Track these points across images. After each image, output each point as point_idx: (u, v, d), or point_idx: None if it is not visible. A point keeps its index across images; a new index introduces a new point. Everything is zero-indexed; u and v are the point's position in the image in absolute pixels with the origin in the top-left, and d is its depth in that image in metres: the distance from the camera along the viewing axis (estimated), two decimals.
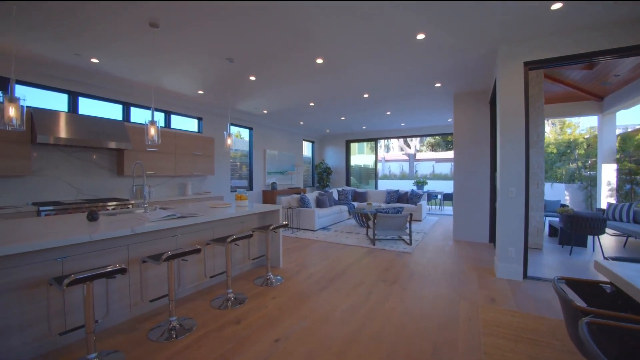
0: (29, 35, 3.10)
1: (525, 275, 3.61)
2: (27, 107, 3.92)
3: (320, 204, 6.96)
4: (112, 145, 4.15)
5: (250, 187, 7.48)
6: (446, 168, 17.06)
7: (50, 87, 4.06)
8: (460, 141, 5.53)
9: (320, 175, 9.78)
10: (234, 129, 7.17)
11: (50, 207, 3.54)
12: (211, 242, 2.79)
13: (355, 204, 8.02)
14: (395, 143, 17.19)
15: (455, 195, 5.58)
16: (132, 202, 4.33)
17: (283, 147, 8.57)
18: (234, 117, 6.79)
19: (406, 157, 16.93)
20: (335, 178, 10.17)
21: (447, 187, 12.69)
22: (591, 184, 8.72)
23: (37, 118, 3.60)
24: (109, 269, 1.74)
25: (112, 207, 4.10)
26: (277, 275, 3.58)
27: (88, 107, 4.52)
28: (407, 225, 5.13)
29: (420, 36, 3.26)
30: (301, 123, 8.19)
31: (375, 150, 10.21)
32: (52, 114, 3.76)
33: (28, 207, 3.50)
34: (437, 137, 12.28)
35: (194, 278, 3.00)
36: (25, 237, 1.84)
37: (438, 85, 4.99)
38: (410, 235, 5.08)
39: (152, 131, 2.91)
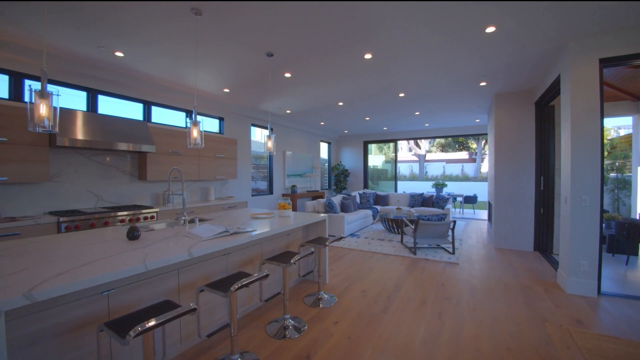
0: (47, 23, 2.71)
1: (599, 291, 3.27)
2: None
3: (345, 208, 6.59)
4: (135, 147, 3.76)
5: (270, 191, 7.10)
6: (457, 169, 16.75)
7: (68, 83, 3.65)
8: (501, 143, 5.19)
9: (338, 178, 9.41)
10: (254, 130, 6.78)
11: (71, 218, 3.15)
12: (267, 262, 2.41)
13: (378, 207, 7.66)
14: (404, 144, 16.85)
15: (495, 201, 5.23)
16: (157, 209, 3.93)
17: (301, 148, 8.19)
18: (254, 117, 6.41)
19: (416, 158, 16.59)
20: (353, 180, 9.80)
21: (464, 189, 12.38)
22: (619, 186, 8.42)
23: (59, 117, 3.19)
24: (180, 310, 1.36)
25: (137, 216, 3.71)
26: (327, 292, 3.21)
27: (106, 105, 4.12)
28: (449, 233, 4.78)
29: (490, 29, 2.92)
30: (322, 124, 7.82)
31: (395, 151, 9.85)
32: (72, 114, 3.36)
33: (46, 216, 3.10)
34: (457, 137, 11.91)
35: (244, 301, 2.62)
36: (63, 267, 1.46)
37: (483, 84, 4.65)
38: (453, 244, 4.72)
39: (195, 133, 2.53)
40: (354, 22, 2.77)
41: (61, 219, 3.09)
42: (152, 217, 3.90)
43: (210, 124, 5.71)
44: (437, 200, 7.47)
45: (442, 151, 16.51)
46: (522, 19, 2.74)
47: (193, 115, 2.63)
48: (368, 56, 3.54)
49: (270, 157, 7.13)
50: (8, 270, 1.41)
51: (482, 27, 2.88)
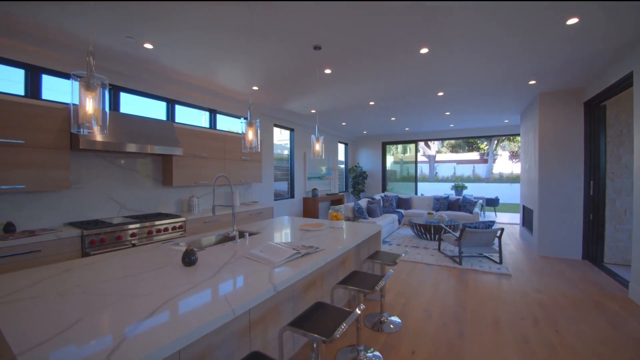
0: (69, 9, 2.34)
1: None
2: (63, 103, 3.15)
3: (371, 213, 6.24)
4: (162, 150, 3.39)
5: (291, 194, 6.73)
6: (468, 170, 16.46)
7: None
8: (546, 145, 4.85)
9: (356, 180, 9.05)
10: (278, 131, 6.42)
11: (95, 231, 2.77)
12: (340, 287, 2.05)
13: (402, 211, 7.31)
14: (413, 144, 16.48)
15: (539, 206, 4.90)
16: (183, 219, 3.56)
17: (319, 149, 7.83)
18: (277, 117, 6.04)
19: (425, 159, 16.28)
20: (371, 182, 9.45)
21: (480, 190, 12.06)
22: None
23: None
24: None
25: (165, 226, 3.34)
26: (385, 312, 2.85)
27: (126, 104, 3.74)
28: (496, 241, 4.45)
29: (572, 21, 2.60)
30: (343, 124, 7.47)
31: (415, 153, 9.52)
32: None
33: (67, 229, 2.73)
34: (482, 138, 11.55)
35: None
36: (129, 315, 1.10)
37: (532, 82, 4.32)
38: (500, 253, 4.39)
39: (251, 135, 2.16)
40: (416, 14, 2.45)
41: (85, 232, 2.71)
42: (180, 227, 3.52)
43: (228, 124, 5.34)
44: (463, 204, 7.14)
45: (452, 152, 16.20)
46: (608, 9, 2.42)
47: (248, 115, 2.26)
48: (424, 50, 3.20)
49: (292, 159, 6.76)
50: (58, 321, 1.05)
51: (563, 18, 2.56)
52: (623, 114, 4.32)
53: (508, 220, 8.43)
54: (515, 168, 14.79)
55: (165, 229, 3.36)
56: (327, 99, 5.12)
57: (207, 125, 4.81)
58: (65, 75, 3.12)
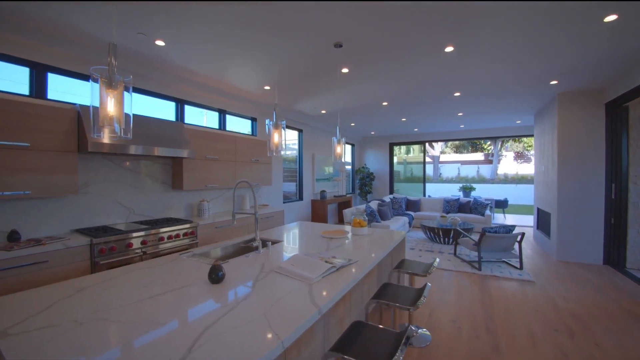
0: (80, 5, 2.18)
1: None
2: (70, 103, 2.98)
3: (382, 216, 6.09)
4: (172, 153, 3.23)
5: (299, 197, 6.57)
6: (472, 171, 16.33)
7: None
8: (565, 147, 4.71)
9: (363, 181, 8.90)
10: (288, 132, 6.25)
11: (104, 239, 2.60)
12: (376, 302, 1.89)
13: (412, 214, 7.16)
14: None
15: (559, 209, 4.76)
16: (194, 224, 3.39)
17: (328, 150, 7.67)
18: (286, 117, 5.88)
19: (430, 159, 16.12)
20: (378, 184, 9.30)
21: (487, 191, 11.92)
22: None
23: (86, 118, 2.66)
24: None
25: (176, 232, 3.18)
26: (413, 324, 2.70)
27: (133, 103, 3.58)
28: (516, 246, 4.30)
29: (610, 17, 2.45)
30: (352, 125, 7.31)
31: (424, 154, 9.38)
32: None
33: (74, 236, 2.56)
34: (493, 139, 11.42)
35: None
36: (165, 351, 0.94)
37: (553, 82, 4.17)
38: (520, 258, 4.24)
39: (276, 138, 2.00)
40: (445, 11, 2.30)
41: (94, 241, 2.54)
42: (191, 233, 3.36)
43: (237, 125, 5.18)
44: (474, 206, 7.00)
45: (457, 152, 16.05)
46: None
47: (274, 116, 2.10)
48: (449, 49, 3.05)
49: (300, 161, 6.60)
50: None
51: (601, 15, 2.42)
52: None
53: (518, 222, 8.29)
54: (520, 169, 14.70)
55: (177, 235, 3.20)
56: (340, 99, 4.97)
57: (216, 126, 4.64)
58: (73, 74, 2.96)
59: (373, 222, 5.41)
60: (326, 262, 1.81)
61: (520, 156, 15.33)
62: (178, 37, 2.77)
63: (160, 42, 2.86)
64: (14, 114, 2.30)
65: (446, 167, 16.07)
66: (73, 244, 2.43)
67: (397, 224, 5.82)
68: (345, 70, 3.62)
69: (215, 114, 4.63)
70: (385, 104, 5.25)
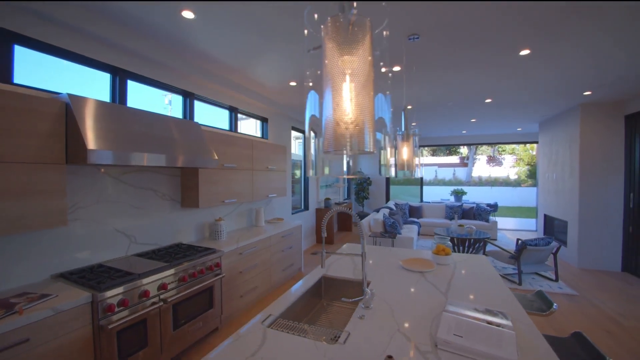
0: None
1: None
2: (50, 92, 2.08)
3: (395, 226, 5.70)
4: (199, 163, 2.46)
5: (305, 206, 5.92)
6: (449, 173, 16.91)
7: (82, 57, 2.21)
8: (587, 158, 4.73)
9: (360, 187, 8.48)
10: (295, 134, 5.56)
11: (111, 292, 1.80)
12: None
13: (417, 221, 6.91)
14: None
15: (580, 218, 4.77)
16: (219, 252, 2.64)
17: (329, 155, 7.11)
18: (295, 118, 5.22)
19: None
20: (374, 189, 8.95)
21: (471, 195, 12.21)
22: None
23: (79, 115, 1.82)
24: None
25: (199, 266, 2.41)
26: None
27: (129, 95, 2.71)
28: (552, 258, 4.17)
29: None
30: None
31: (419, 158, 9.25)
32: (104, 109, 1.98)
33: (59, 286, 1.73)
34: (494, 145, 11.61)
35: None
36: None
37: (587, 93, 4.10)
38: (556, 270, 4.12)
39: (406, 153, 1.41)
40: (520, 14, 1.94)
41: (98, 297, 1.73)
42: (217, 265, 2.61)
43: (242, 126, 4.43)
44: (478, 212, 6.95)
45: (433, 155, 16.56)
46: None
47: (402, 124, 1.52)
48: (525, 52, 2.71)
49: (306, 167, 5.96)
50: None
51: None
52: None
53: (513, 227, 8.51)
54: (493, 172, 15.64)
55: (201, 271, 2.44)
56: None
57: (227, 127, 3.85)
58: (55, 50, 2.06)
59: (395, 233, 4.99)
60: (488, 323, 1.32)
61: (492, 160, 16.29)
62: (209, 10, 2.04)
63: (188, 14, 2.10)
64: None
65: (424, 170, 16.46)
66: (66, 306, 1.61)
67: (412, 233, 5.48)
68: (397, 68, 3.12)
69: (226, 112, 3.84)
70: (409, 107, 4.86)
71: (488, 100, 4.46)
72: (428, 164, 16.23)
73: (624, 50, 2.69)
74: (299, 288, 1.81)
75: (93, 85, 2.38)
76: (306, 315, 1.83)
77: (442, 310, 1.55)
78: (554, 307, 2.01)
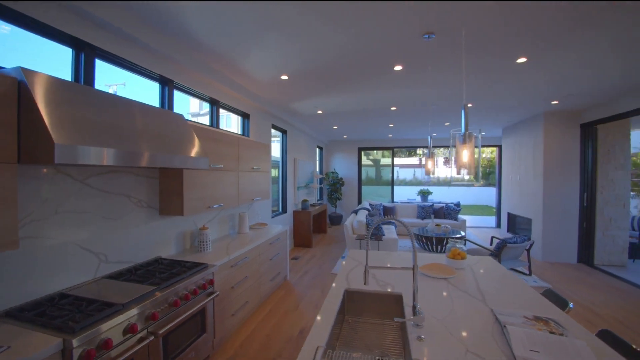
0: None
1: None
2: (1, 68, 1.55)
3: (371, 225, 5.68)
4: (189, 163, 2.06)
5: (283, 209, 5.59)
6: (409, 174, 17.70)
7: (43, 26, 1.68)
8: (549, 161, 5.20)
9: (333, 187, 8.36)
10: (276, 133, 5.19)
11: (84, 335, 1.37)
12: None
13: (392, 221, 7.00)
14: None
15: (544, 216, 5.23)
16: (212, 268, 2.26)
17: (305, 154, 6.86)
18: (276, 115, 4.86)
19: (371, 163, 16.83)
20: (347, 190, 8.90)
21: (434, 194, 12.86)
22: None
23: (39, 97, 1.35)
24: None
25: (192, 286, 2.03)
26: None
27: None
28: (525, 254, 4.47)
29: None
30: (335, 127, 6.66)
31: (392, 159, 9.44)
32: (71, 91, 1.52)
33: (17, 331, 1.27)
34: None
35: None
36: None
37: (554, 102, 4.47)
38: (530, 265, 4.42)
39: (466, 156, 1.27)
40: (518, 21, 2.00)
41: (73, 343, 1.29)
42: (210, 282, 2.24)
43: (227, 122, 4.00)
44: (447, 211, 7.29)
45: (395, 156, 17.27)
46: None
47: (462, 125, 1.35)
48: (522, 60, 2.80)
49: (284, 167, 5.63)
50: None
51: None
52: (610, 136, 4.90)
53: (475, 224, 9.11)
54: (449, 172, 16.82)
55: (194, 292, 2.05)
56: (352, 100, 4.30)
57: (208, 123, 3.40)
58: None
59: (380, 234, 4.94)
60: (551, 332, 1.28)
61: (447, 161, 17.42)
62: None
63: None
64: None
65: (386, 170, 17.05)
66: None
67: (393, 234, 5.51)
68: (398, 67, 3.01)
69: (205, 105, 3.39)
70: (393, 108, 4.84)
71: (470, 105, 4.63)
72: (389, 164, 16.90)
73: (589, 67, 2.95)
74: (328, 306, 1.57)
75: (49, 63, 1.85)
76: (337, 338, 1.60)
77: (494, 321, 1.46)
78: (570, 305, 2.04)
